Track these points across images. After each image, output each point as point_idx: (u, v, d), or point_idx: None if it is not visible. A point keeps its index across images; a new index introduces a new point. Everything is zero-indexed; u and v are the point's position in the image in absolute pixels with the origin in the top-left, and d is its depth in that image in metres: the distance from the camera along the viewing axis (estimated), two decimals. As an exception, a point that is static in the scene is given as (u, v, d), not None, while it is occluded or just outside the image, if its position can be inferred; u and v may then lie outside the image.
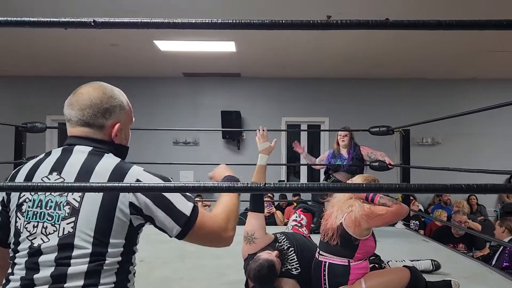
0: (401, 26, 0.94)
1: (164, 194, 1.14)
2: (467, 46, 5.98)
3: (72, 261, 1.07)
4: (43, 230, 1.11)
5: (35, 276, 1.07)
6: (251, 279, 2.12)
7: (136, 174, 1.17)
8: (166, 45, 6.00)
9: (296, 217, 2.81)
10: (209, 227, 1.20)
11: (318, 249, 2.30)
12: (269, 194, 6.50)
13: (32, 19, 0.92)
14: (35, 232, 1.11)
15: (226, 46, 6.02)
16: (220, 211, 1.26)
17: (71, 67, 7.29)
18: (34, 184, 1.02)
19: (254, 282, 2.11)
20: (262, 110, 7.98)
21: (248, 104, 8.01)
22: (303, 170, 8.43)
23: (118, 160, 1.20)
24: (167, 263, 3.06)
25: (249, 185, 0.84)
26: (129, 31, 5.37)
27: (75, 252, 1.08)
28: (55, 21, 0.92)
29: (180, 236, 1.17)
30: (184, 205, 1.16)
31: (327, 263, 2.18)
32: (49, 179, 1.16)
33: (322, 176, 4.87)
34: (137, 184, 0.90)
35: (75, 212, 1.10)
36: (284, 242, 2.30)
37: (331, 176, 4.30)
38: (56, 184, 1.00)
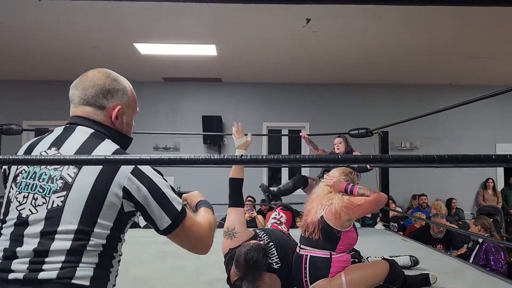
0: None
1: (160, 187, 1.16)
2: (443, 51, 6.12)
3: (56, 236, 1.08)
4: (33, 201, 1.12)
5: (18, 249, 1.08)
6: (239, 264, 1.98)
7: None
8: (146, 48, 5.96)
9: (276, 215, 2.80)
10: (195, 230, 1.23)
11: (299, 244, 2.30)
12: (249, 198, 6.48)
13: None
14: (25, 203, 1.12)
15: (206, 50, 6.01)
16: (203, 221, 1.31)
17: (48, 70, 7.15)
18: (30, 157, 1.05)
19: (244, 267, 1.97)
20: (243, 115, 7.97)
21: (229, 109, 8.00)
22: (284, 174, 8.46)
23: (117, 147, 1.20)
24: (146, 263, 3.00)
25: (225, 156, 0.83)
26: (109, 33, 5.31)
27: (61, 227, 1.08)
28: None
29: (167, 231, 1.17)
30: (176, 200, 1.19)
31: (308, 256, 2.17)
32: (47, 153, 1.18)
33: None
34: (122, 157, 0.88)
35: (67, 187, 1.11)
36: (264, 237, 2.30)
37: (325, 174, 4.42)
38: (51, 157, 1.02)
